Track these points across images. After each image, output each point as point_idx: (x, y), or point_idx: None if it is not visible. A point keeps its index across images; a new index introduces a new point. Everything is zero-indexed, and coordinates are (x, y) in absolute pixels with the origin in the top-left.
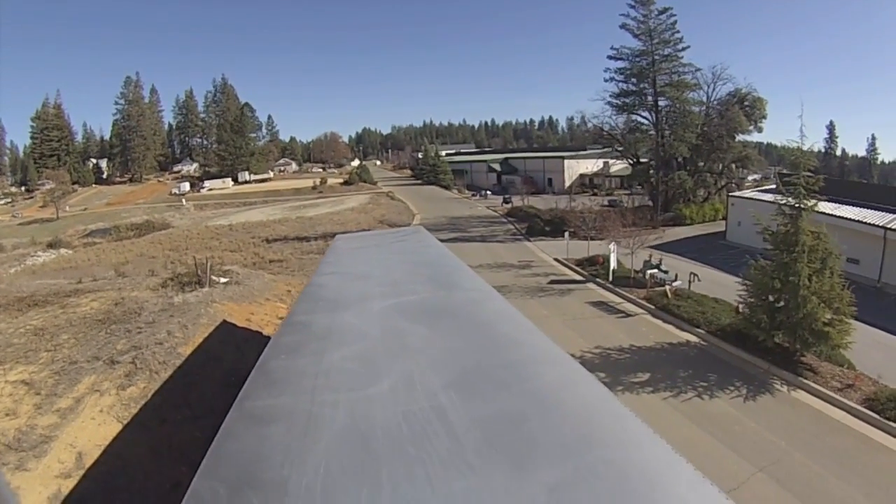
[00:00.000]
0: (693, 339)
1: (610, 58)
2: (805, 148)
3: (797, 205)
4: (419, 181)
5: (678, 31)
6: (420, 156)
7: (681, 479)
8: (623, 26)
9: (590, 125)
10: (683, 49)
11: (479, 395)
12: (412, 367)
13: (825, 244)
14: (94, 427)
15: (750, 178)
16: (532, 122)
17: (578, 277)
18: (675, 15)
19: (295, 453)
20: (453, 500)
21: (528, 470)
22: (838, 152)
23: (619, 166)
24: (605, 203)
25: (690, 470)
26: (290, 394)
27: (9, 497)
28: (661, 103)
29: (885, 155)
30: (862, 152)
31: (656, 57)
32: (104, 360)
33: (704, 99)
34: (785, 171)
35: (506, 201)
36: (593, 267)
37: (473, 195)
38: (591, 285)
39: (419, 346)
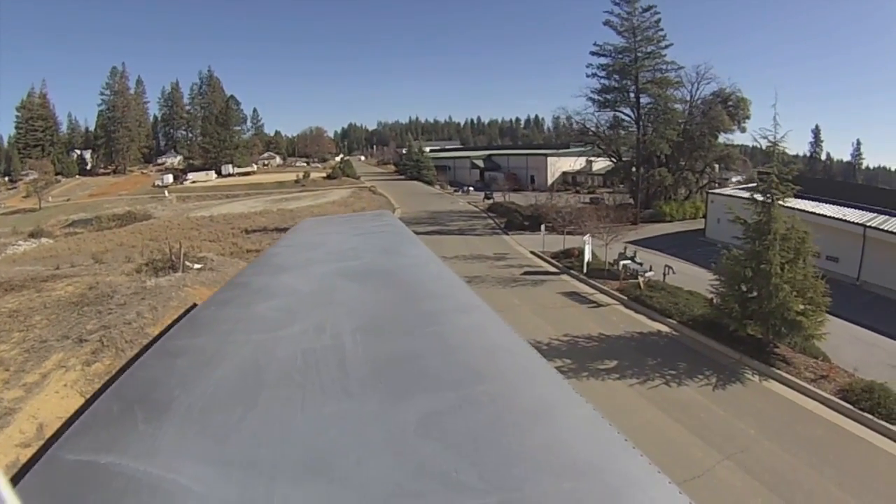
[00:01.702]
0: (664, 328)
1: (593, 53)
2: (778, 136)
3: (769, 194)
4: (402, 177)
5: (662, 29)
6: (404, 152)
7: (575, 415)
8: (606, 23)
9: (573, 123)
10: (667, 47)
11: (383, 338)
12: (328, 315)
13: (798, 234)
14: (56, 400)
15: (734, 179)
16: (518, 120)
17: (553, 269)
18: (658, 13)
19: (190, 380)
20: (320, 421)
21: (406, 399)
22: (823, 156)
23: (601, 164)
24: (587, 200)
25: (589, 409)
26: (206, 335)
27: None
28: (643, 100)
29: (870, 160)
30: (847, 157)
31: (639, 54)
32: (73, 339)
33: (688, 97)
34: (763, 170)
35: (487, 197)
36: (568, 259)
37: (455, 191)
38: (564, 277)
39: (343, 300)
